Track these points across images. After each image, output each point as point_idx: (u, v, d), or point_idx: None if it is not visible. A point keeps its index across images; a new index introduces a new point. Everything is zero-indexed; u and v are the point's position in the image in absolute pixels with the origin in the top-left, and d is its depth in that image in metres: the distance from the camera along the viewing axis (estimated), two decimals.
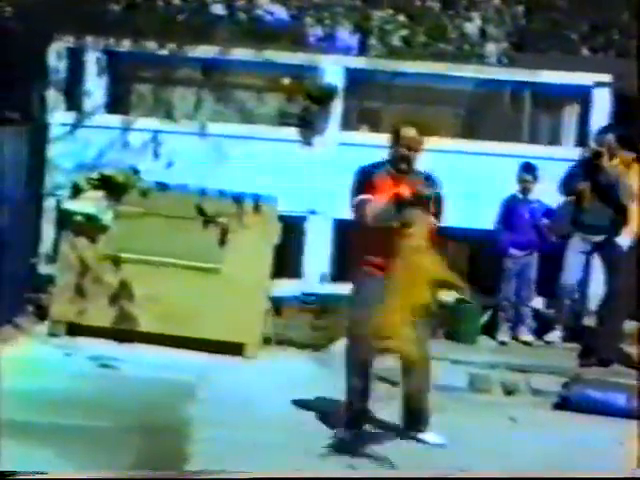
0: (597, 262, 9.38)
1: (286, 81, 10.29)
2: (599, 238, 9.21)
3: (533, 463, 6.27)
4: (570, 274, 9.36)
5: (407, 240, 6.01)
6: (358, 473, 5.43)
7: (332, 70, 9.88)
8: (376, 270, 6.33)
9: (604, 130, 9.38)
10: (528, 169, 9.52)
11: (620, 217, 9.06)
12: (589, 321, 9.43)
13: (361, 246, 6.47)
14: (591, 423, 7.40)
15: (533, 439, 6.82)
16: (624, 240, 9.05)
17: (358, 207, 6.42)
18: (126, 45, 9.82)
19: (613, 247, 9.12)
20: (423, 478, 5.45)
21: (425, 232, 6.05)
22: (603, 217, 9.15)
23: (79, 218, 8.84)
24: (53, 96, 9.80)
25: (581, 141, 10.03)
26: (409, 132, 6.47)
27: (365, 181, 6.48)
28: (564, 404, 7.84)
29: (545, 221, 9.51)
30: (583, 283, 9.51)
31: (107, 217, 8.82)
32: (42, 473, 4.72)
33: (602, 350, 8.82)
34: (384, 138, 9.71)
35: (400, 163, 6.48)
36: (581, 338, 9.25)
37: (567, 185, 9.37)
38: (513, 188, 9.58)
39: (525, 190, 9.54)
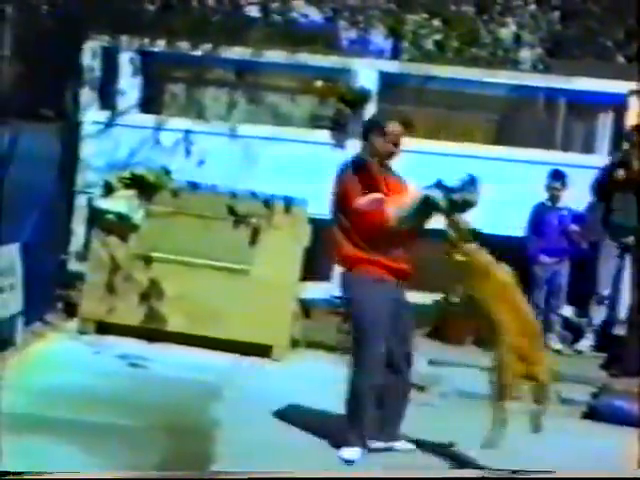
0: (628, 270, 9.33)
1: (319, 83, 10.29)
2: (630, 239, 9.17)
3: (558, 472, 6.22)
4: (602, 281, 9.32)
5: (479, 255, 5.88)
6: (358, 473, 5.41)
7: (365, 73, 9.87)
8: (388, 274, 6.18)
9: (635, 129, 9.38)
10: (557, 176, 9.48)
11: None
12: (620, 330, 9.36)
13: (365, 245, 6.13)
14: (619, 434, 7.33)
15: (561, 448, 6.77)
16: None
17: (372, 206, 6.02)
18: (160, 45, 9.86)
19: None
20: (423, 478, 5.42)
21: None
22: (633, 217, 9.10)
23: (110, 216, 8.87)
24: (87, 95, 9.86)
25: (615, 149, 9.96)
26: (396, 128, 6.23)
27: (368, 178, 6.15)
28: (592, 414, 7.79)
29: (575, 227, 9.46)
30: (614, 290, 9.45)
31: (138, 216, 8.85)
32: (47, 473, 4.73)
33: (628, 360, 8.74)
34: (415, 142, 9.76)
35: (385, 159, 6.26)
36: (611, 347, 9.19)
37: (599, 187, 9.35)
38: (544, 195, 9.53)
39: (554, 197, 9.50)
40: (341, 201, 6.17)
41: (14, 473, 4.48)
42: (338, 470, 5.75)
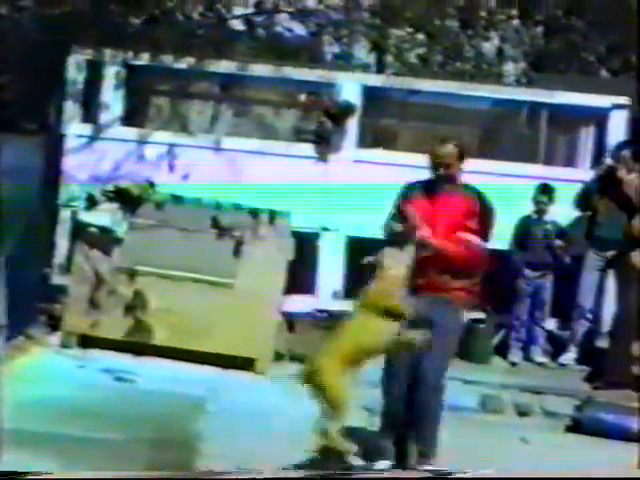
0: (611, 282, 9.37)
1: (303, 97, 10.30)
2: (613, 253, 9.23)
3: None
4: (585, 294, 9.37)
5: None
6: (358, 473, 5.39)
7: (349, 87, 9.89)
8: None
9: (620, 146, 9.42)
10: (544, 190, 9.51)
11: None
12: (603, 342, 9.39)
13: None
14: (605, 447, 7.34)
15: (545, 461, 6.77)
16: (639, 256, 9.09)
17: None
18: (145, 58, 9.85)
19: (627, 263, 9.14)
20: (423, 478, 5.41)
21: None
22: (618, 231, 9.15)
23: (94, 230, 8.86)
24: (70, 107, 9.84)
25: (597, 163, 10.00)
26: (437, 150, 6.30)
27: (401, 201, 6.32)
28: (576, 427, 7.80)
29: (558, 242, 9.49)
30: (597, 304, 9.48)
31: (122, 229, 8.84)
32: (45, 473, 4.70)
33: (611, 373, 8.76)
34: (399, 156, 9.78)
35: (434, 183, 6.32)
36: (594, 360, 9.22)
37: (583, 200, 9.40)
38: (528, 208, 9.55)
39: (540, 211, 9.53)
40: None
41: (14, 473, 4.44)
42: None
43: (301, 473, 5.10)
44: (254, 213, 8.89)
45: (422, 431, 6.10)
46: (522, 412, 8.19)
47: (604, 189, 9.28)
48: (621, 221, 9.19)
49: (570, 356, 9.46)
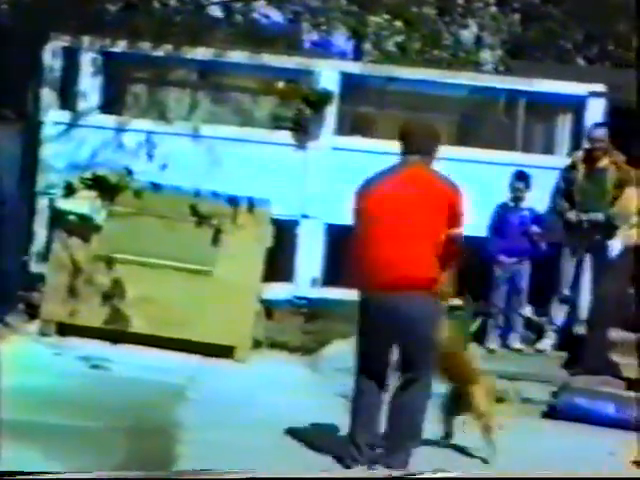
0: (588, 269, 9.45)
1: (281, 85, 10.29)
2: (594, 216, 9.27)
3: (519, 471, 6.27)
4: (563, 281, 9.43)
5: None
6: (357, 473, 5.42)
7: (327, 75, 9.89)
8: None
9: (596, 126, 9.49)
10: (521, 177, 9.55)
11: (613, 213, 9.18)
12: (580, 329, 9.45)
13: None
14: (581, 432, 7.40)
15: (521, 447, 6.82)
16: (616, 243, 9.16)
17: None
18: (122, 46, 9.82)
19: (605, 250, 9.22)
20: (423, 478, 5.43)
21: None
22: (597, 200, 9.23)
23: (72, 218, 8.84)
24: (48, 95, 9.80)
25: (574, 150, 10.05)
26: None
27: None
28: (553, 413, 7.85)
29: (535, 228, 9.52)
30: (575, 290, 9.54)
31: (100, 217, 8.82)
32: (43, 473, 4.71)
33: (589, 359, 8.82)
34: (378, 143, 9.80)
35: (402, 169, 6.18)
36: (571, 347, 9.27)
37: (561, 187, 9.50)
38: (505, 196, 9.59)
39: (517, 198, 9.56)
40: None
41: (14, 473, 4.45)
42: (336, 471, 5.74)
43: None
44: (233, 201, 8.89)
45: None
46: (499, 398, 8.22)
47: (580, 173, 9.38)
48: (599, 205, 9.26)
49: (547, 342, 9.51)
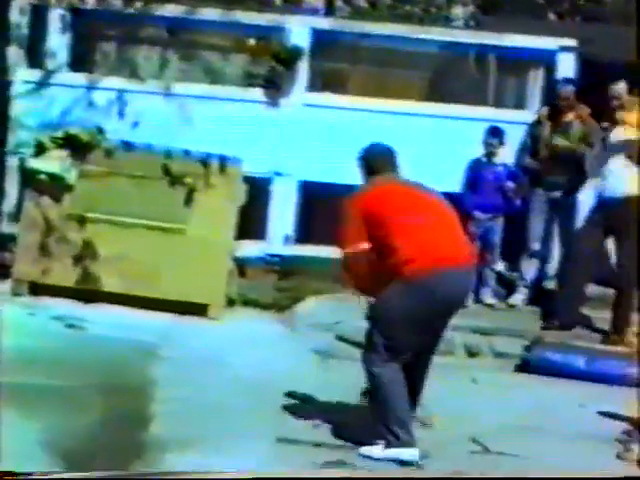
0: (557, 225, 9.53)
1: (252, 42, 10.23)
2: (558, 194, 9.36)
3: (493, 424, 6.34)
4: (533, 236, 9.49)
5: None
6: (357, 473, 5.45)
7: (298, 31, 9.84)
8: None
9: (565, 82, 9.52)
10: (495, 133, 9.57)
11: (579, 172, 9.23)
12: (551, 284, 9.51)
13: None
14: (554, 385, 7.48)
15: (495, 401, 6.89)
16: (582, 197, 9.25)
17: None
18: (91, 2, 9.72)
19: (571, 205, 9.29)
20: (423, 478, 5.47)
21: None
22: (563, 173, 9.28)
23: (43, 177, 8.79)
24: (15, 53, 9.69)
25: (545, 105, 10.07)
26: None
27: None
28: (525, 367, 7.92)
29: (510, 184, 9.56)
30: (545, 246, 9.60)
31: (71, 176, 8.77)
32: (43, 473, 4.72)
33: (561, 313, 8.89)
34: (349, 100, 9.79)
35: None
36: (543, 301, 9.34)
37: (529, 142, 9.57)
38: (478, 151, 9.61)
39: (490, 154, 9.58)
40: None
41: (14, 473, 4.45)
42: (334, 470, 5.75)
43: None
44: (205, 159, 8.86)
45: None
46: (472, 353, 8.30)
47: (546, 129, 9.44)
48: (566, 164, 9.32)
49: (518, 297, 9.58)
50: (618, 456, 5.99)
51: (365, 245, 5.69)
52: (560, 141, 9.36)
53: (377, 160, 6.03)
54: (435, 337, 5.93)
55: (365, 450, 5.65)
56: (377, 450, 5.62)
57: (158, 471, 5.07)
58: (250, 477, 4.87)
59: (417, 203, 5.85)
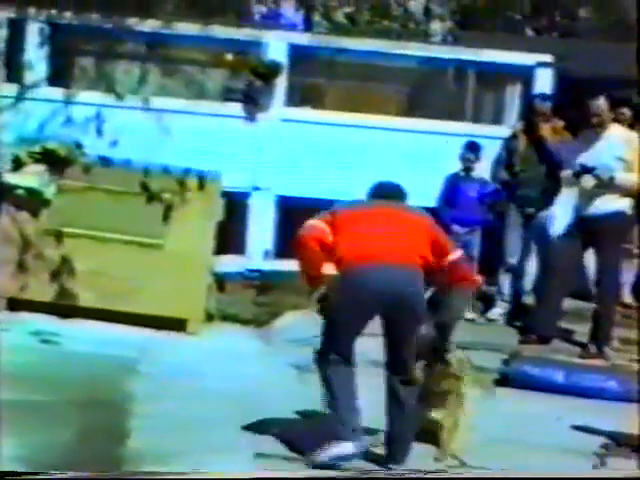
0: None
1: (230, 56, 10.25)
2: (533, 210, 9.41)
3: (471, 438, 6.34)
4: (509, 251, 9.53)
5: None
6: (356, 473, 5.43)
7: (276, 46, 9.86)
8: None
9: (541, 98, 9.58)
10: (472, 148, 9.61)
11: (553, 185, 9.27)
12: (528, 298, 9.54)
13: None
14: (531, 399, 7.49)
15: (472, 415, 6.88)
16: (558, 211, 9.27)
17: None
18: (69, 17, 9.70)
19: (545, 220, 9.34)
20: (423, 478, 5.47)
21: None
22: (537, 188, 9.31)
23: (20, 192, 8.76)
24: None
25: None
26: None
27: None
28: (504, 381, 7.93)
29: (487, 198, 9.60)
30: (522, 260, 9.63)
31: (49, 191, 8.75)
32: (44, 473, 4.69)
33: (540, 327, 8.91)
34: (328, 115, 9.81)
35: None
36: (521, 315, 9.36)
37: (504, 157, 9.61)
38: (456, 166, 9.64)
39: (468, 169, 9.63)
40: None
41: (14, 473, 4.43)
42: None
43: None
44: (183, 175, 8.85)
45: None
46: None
47: (521, 143, 9.50)
48: (540, 177, 9.36)
49: (497, 312, 9.60)
50: (594, 468, 6.02)
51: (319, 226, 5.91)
52: (532, 156, 9.42)
53: (374, 189, 6.31)
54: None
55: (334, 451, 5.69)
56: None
57: (158, 471, 5.06)
58: (250, 477, 4.86)
59: (376, 216, 6.04)
